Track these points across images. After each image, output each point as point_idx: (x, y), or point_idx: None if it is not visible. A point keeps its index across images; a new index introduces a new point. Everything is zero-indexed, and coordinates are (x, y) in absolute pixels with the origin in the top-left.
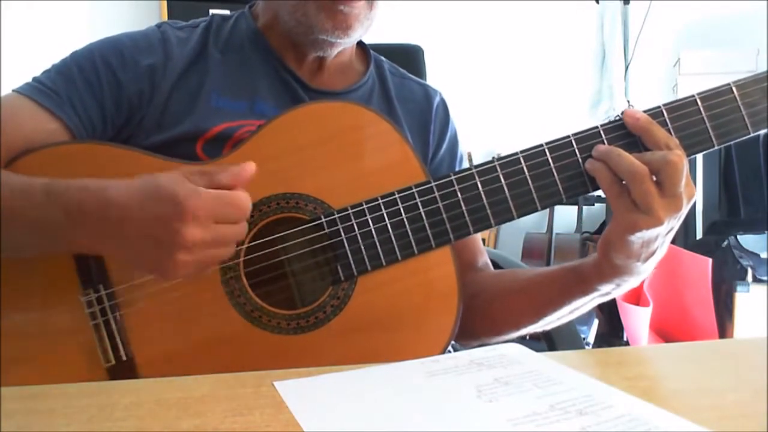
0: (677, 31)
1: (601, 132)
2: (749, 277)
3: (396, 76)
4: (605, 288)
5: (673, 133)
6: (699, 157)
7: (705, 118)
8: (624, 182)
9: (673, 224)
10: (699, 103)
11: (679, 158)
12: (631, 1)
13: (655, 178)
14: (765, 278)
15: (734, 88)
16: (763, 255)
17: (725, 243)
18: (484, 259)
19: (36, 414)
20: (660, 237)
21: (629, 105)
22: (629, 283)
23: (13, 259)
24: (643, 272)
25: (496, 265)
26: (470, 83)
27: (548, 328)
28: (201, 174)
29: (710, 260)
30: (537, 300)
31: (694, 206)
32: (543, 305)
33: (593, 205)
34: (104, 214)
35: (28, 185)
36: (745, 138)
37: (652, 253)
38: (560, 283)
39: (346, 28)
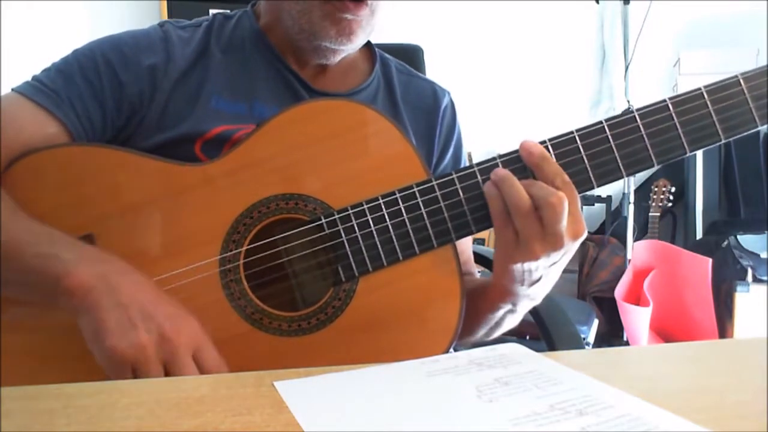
0: (677, 31)
1: (606, 127)
2: (749, 277)
3: (404, 74)
4: (505, 306)
5: (678, 128)
6: (699, 157)
7: (712, 112)
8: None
9: (555, 259)
10: (705, 96)
11: (559, 200)
12: (631, 1)
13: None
14: (765, 278)
15: (742, 81)
16: (763, 255)
17: (725, 243)
18: (468, 268)
19: (36, 414)
20: (542, 268)
21: (629, 105)
22: (524, 305)
23: None
24: (533, 295)
25: None
26: (470, 83)
27: (487, 338)
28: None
29: (710, 260)
30: (469, 310)
31: (694, 206)
32: (470, 316)
33: (593, 205)
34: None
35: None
36: (749, 132)
37: (536, 281)
38: (476, 296)
39: (349, 34)
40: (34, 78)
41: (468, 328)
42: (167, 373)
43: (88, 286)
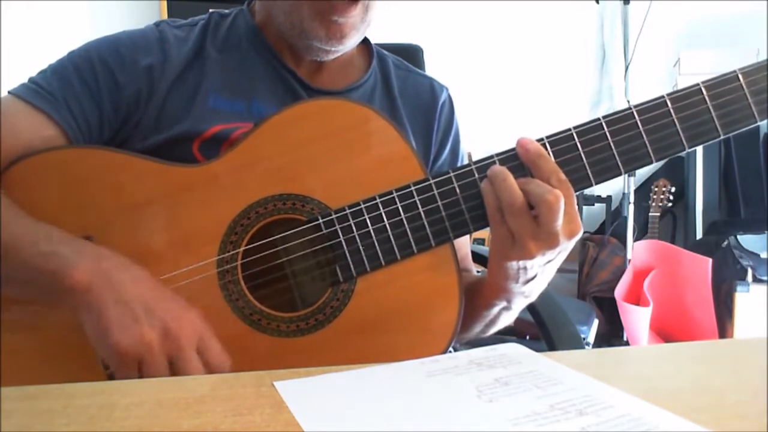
0: (677, 31)
1: (604, 124)
2: (749, 277)
3: (401, 70)
4: (500, 303)
5: (677, 124)
6: (699, 157)
7: (710, 107)
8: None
9: (550, 258)
10: (704, 91)
11: (556, 198)
12: (631, 1)
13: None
14: (765, 278)
15: (740, 76)
16: (763, 255)
17: (725, 243)
18: (465, 265)
19: (36, 414)
20: (537, 266)
21: (629, 105)
22: (519, 302)
23: None
24: (527, 292)
25: None
26: (470, 83)
27: (483, 336)
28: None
29: (710, 260)
30: (465, 306)
31: (694, 206)
32: (465, 313)
33: (593, 205)
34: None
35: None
36: (748, 128)
37: (531, 278)
38: (471, 293)
39: (340, 37)
40: (31, 80)
41: (464, 325)
42: (172, 370)
43: (89, 283)
